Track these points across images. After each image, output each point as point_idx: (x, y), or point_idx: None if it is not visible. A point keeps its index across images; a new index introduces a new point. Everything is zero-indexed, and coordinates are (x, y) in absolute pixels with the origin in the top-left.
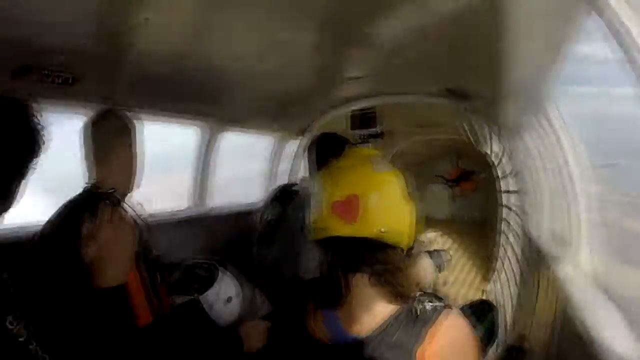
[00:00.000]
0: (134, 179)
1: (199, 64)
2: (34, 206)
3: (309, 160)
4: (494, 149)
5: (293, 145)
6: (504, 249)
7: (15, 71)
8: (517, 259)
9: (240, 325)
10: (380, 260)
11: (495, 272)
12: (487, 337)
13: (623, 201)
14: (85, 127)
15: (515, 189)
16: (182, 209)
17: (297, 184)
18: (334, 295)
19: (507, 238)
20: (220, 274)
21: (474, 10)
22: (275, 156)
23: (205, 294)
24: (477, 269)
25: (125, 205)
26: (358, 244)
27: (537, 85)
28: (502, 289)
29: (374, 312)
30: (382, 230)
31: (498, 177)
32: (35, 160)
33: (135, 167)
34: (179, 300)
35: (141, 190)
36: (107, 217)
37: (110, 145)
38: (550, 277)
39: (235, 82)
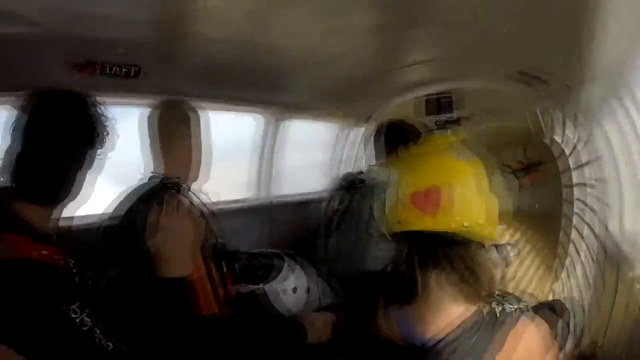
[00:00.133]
0: (199, 168)
1: (260, 51)
2: (101, 196)
3: (375, 148)
4: (566, 137)
5: (357, 133)
6: (576, 245)
7: (77, 66)
8: (591, 258)
9: (305, 316)
10: (460, 256)
11: (566, 270)
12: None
13: None
14: (149, 118)
15: (592, 180)
16: (245, 197)
17: (363, 173)
18: (408, 293)
19: (580, 233)
20: (286, 263)
21: None
22: (339, 144)
23: (270, 283)
24: (545, 266)
25: (190, 195)
26: (437, 238)
27: (623, 68)
28: (573, 290)
29: (451, 313)
30: (465, 224)
31: (570, 168)
32: (97, 151)
33: (200, 156)
34: (244, 289)
35: (205, 177)
36: (173, 207)
37: (174, 135)
38: (631, 279)
39: (297, 68)
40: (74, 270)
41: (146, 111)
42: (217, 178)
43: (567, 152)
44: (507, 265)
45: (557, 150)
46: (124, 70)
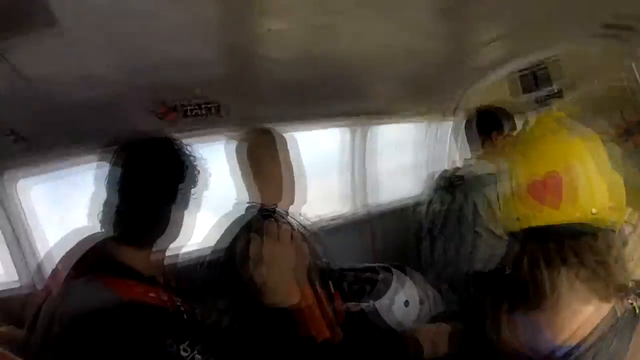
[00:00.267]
0: (294, 191)
1: (332, 63)
2: (201, 231)
3: (468, 140)
4: None
5: (446, 128)
6: None
7: (160, 114)
8: None
9: (419, 329)
10: (590, 248)
11: None
12: None
13: None
14: (237, 149)
15: None
16: (343, 212)
17: (459, 169)
18: (534, 296)
19: None
20: (395, 276)
21: None
22: (429, 142)
23: (381, 299)
24: None
25: (289, 219)
26: (563, 232)
27: None
28: None
29: (583, 315)
30: (593, 211)
31: None
32: (191, 190)
33: (293, 179)
34: (354, 308)
35: (301, 199)
36: (273, 235)
37: (264, 163)
38: None
39: (372, 72)
40: (182, 309)
41: (233, 143)
42: (313, 197)
43: None
44: (624, 246)
45: None
46: (204, 109)
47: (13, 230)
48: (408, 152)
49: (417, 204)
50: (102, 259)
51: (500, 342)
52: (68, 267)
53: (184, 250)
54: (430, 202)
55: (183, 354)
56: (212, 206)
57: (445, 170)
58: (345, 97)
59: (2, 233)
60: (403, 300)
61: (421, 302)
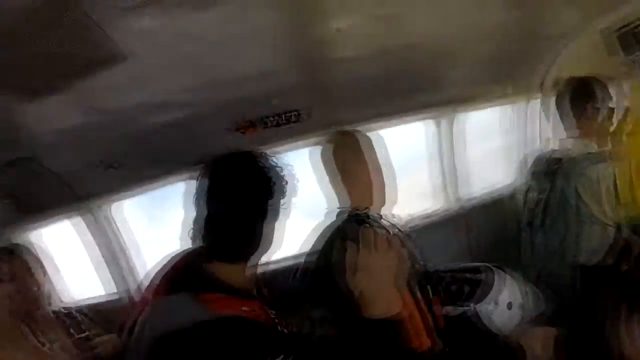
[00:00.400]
0: (384, 192)
1: (406, 54)
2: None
3: (561, 118)
4: None
5: (535, 107)
6: None
7: (240, 129)
8: None
9: (522, 334)
10: None
11: None
12: None
13: None
14: (322, 154)
15: None
16: (436, 209)
17: (556, 150)
18: None
19: None
20: (496, 277)
21: None
22: (519, 125)
23: (482, 302)
24: None
25: (383, 222)
26: None
27: None
28: None
29: None
30: None
31: None
32: (280, 201)
33: (382, 180)
34: (453, 312)
35: (391, 199)
36: (370, 242)
37: (351, 165)
38: None
39: (449, 58)
40: (276, 321)
41: (317, 149)
42: (403, 196)
43: None
44: None
45: None
46: (284, 118)
47: (110, 248)
48: (498, 138)
49: (514, 193)
50: (195, 274)
51: (617, 350)
52: (162, 282)
53: (274, 259)
54: (527, 190)
55: None
56: (300, 212)
57: (541, 154)
58: (425, 87)
59: (101, 251)
60: (506, 303)
61: (523, 304)
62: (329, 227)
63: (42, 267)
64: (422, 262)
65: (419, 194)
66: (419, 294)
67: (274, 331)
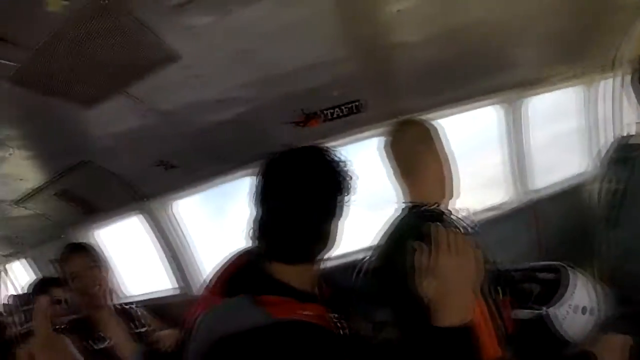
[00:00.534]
0: (452, 184)
1: (468, 36)
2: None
3: (638, 98)
4: None
5: (607, 86)
6: None
7: (300, 122)
8: None
9: (596, 342)
10: None
11: None
12: None
13: None
14: (387, 146)
15: None
16: (504, 201)
17: (633, 136)
18: None
19: None
20: (570, 277)
21: None
22: (591, 107)
23: (556, 304)
24: None
25: (453, 219)
26: None
27: None
28: None
29: None
30: None
31: None
32: (345, 198)
33: (450, 171)
34: (523, 315)
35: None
36: (446, 243)
37: (418, 156)
38: None
39: (513, 38)
40: (338, 325)
41: (379, 140)
42: (467, 187)
43: None
44: None
45: None
46: (345, 109)
47: (171, 245)
48: (569, 123)
49: (587, 184)
50: (254, 275)
51: None
52: (220, 282)
53: (334, 254)
54: (602, 180)
55: None
56: (360, 205)
57: (617, 139)
58: (490, 70)
59: (162, 248)
60: (581, 307)
61: (597, 308)
62: (395, 223)
63: (105, 265)
64: (492, 261)
65: (483, 185)
66: (490, 298)
67: (335, 336)
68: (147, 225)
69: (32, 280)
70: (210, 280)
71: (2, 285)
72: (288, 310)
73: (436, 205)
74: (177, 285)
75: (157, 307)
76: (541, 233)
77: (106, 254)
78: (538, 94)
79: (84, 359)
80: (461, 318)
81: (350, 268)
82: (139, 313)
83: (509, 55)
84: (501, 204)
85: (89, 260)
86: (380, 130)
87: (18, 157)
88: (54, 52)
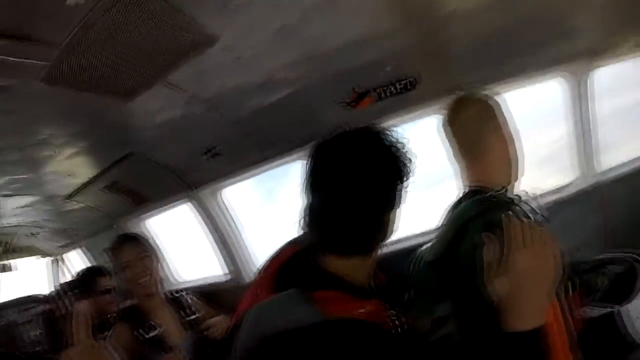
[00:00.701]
0: (518, 166)
1: (527, 3)
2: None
3: None
4: None
5: None
6: None
7: (351, 102)
8: None
9: None
10: None
11: None
12: None
13: None
14: (446, 124)
15: None
16: (568, 182)
17: None
18: None
19: None
20: None
21: None
22: None
23: (627, 303)
24: None
25: (523, 205)
26: None
27: None
28: None
29: None
30: None
31: None
32: (405, 183)
33: (515, 150)
34: (591, 313)
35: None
36: (519, 236)
37: (480, 135)
38: None
39: (579, 3)
40: (397, 322)
41: (436, 119)
42: (528, 169)
43: None
44: None
45: None
46: (399, 86)
47: (221, 233)
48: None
49: None
50: (305, 268)
51: None
52: (269, 274)
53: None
54: None
55: None
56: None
57: None
58: (553, 39)
59: (212, 236)
60: None
61: None
62: (458, 210)
63: (156, 254)
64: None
65: (542, 165)
66: (562, 295)
67: (392, 336)
68: (196, 213)
69: (80, 270)
70: (260, 272)
71: (60, 274)
72: (342, 307)
73: (503, 189)
74: (227, 272)
75: (208, 294)
76: (608, 218)
77: (157, 243)
78: (604, 64)
79: (135, 347)
80: (535, 322)
81: (406, 255)
82: (189, 301)
83: (572, 23)
84: (564, 186)
85: (140, 250)
86: (437, 107)
87: (64, 155)
88: (83, 46)
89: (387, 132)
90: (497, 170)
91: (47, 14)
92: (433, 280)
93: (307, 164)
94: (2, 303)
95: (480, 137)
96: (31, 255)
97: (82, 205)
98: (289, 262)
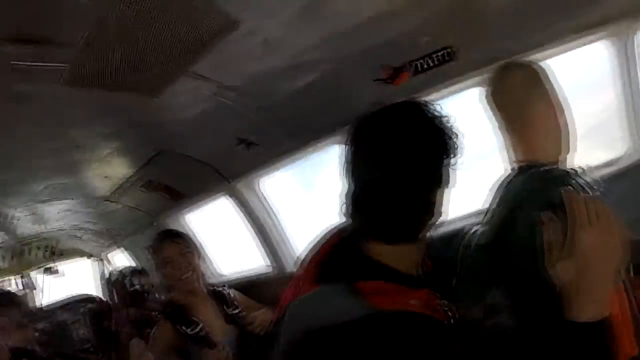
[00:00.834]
0: (568, 136)
1: None
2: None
3: None
4: None
5: None
6: None
7: (388, 79)
8: None
9: None
10: None
11: None
12: None
13: None
14: (487, 96)
15: None
16: (620, 155)
17: None
18: None
19: None
20: None
21: None
22: None
23: None
24: None
25: (580, 179)
26: None
27: None
28: None
29: None
30: None
31: None
32: (453, 160)
33: (566, 120)
34: None
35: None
36: (583, 213)
37: (527, 105)
38: None
39: None
40: (449, 313)
41: (478, 90)
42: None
43: None
44: None
45: None
46: (436, 58)
47: (261, 224)
48: None
49: None
50: (349, 257)
51: None
52: (312, 265)
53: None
54: None
55: None
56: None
57: None
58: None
59: (252, 228)
60: None
61: None
62: (509, 187)
63: (197, 249)
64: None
65: (591, 139)
66: (627, 280)
67: (445, 327)
68: (234, 205)
69: (114, 270)
70: (302, 263)
71: (105, 274)
72: (392, 298)
73: (557, 163)
74: (268, 263)
75: (251, 287)
76: None
77: (197, 238)
78: None
79: (179, 343)
80: (602, 311)
81: (452, 238)
82: (232, 295)
83: None
84: (614, 160)
85: (181, 247)
86: (477, 79)
87: (97, 157)
88: (100, 44)
89: (429, 105)
90: (549, 142)
91: (61, 14)
92: (485, 265)
93: (345, 145)
94: (52, 304)
95: (528, 106)
96: (76, 257)
97: (121, 205)
98: (332, 252)
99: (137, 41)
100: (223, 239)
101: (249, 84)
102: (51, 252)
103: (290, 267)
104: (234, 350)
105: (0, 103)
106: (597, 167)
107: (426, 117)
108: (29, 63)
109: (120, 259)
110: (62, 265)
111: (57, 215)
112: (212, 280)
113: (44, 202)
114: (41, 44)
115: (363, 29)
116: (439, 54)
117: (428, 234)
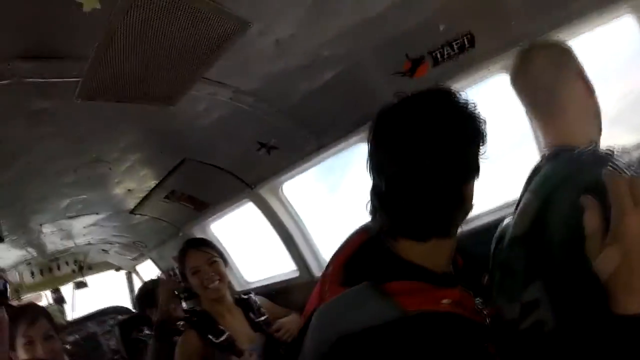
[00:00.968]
0: (600, 117)
1: None
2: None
3: None
4: None
5: None
6: None
7: (407, 72)
8: None
9: None
10: None
11: None
12: None
13: None
14: (513, 80)
15: None
16: None
17: None
18: None
19: None
20: None
21: None
22: None
23: None
24: None
25: (620, 161)
26: None
27: None
28: None
29: None
30: None
31: None
32: (480, 149)
33: (596, 100)
34: None
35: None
36: (626, 196)
37: (557, 84)
38: None
39: None
40: (484, 312)
41: (502, 74)
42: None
43: None
44: None
45: None
46: (456, 46)
47: (286, 228)
48: None
49: None
50: (377, 257)
51: None
52: (337, 266)
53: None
54: None
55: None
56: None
57: None
58: None
59: (277, 232)
60: None
61: None
62: (544, 173)
63: (224, 257)
64: None
65: (616, 124)
66: None
67: (481, 327)
68: (259, 211)
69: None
70: (327, 266)
71: (135, 286)
72: (423, 299)
73: (594, 145)
74: (295, 268)
75: (278, 292)
76: None
77: (223, 245)
78: None
79: (206, 352)
80: None
81: (483, 232)
82: (258, 302)
83: None
84: None
85: (207, 255)
86: (499, 65)
87: (119, 170)
88: (111, 55)
89: (455, 92)
90: (580, 124)
91: (70, 28)
92: (522, 259)
93: (368, 139)
94: (83, 316)
95: (558, 86)
96: (105, 271)
97: (146, 217)
98: (358, 252)
99: (148, 50)
100: (249, 246)
101: (265, 87)
102: (79, 266)
103: (317, 271)
104: (261, 358)
105: (19, 121)
106: (633, 149)
107: (454, 103)
108: (42, 79)
109: (149, 270)
110: (91, 278)
111: (84, 230)
112: (238, 288)
113: (70, 217)
114: (54, 59)
115: (376, 20)
116: (458, 41)
117: (459, 229)
